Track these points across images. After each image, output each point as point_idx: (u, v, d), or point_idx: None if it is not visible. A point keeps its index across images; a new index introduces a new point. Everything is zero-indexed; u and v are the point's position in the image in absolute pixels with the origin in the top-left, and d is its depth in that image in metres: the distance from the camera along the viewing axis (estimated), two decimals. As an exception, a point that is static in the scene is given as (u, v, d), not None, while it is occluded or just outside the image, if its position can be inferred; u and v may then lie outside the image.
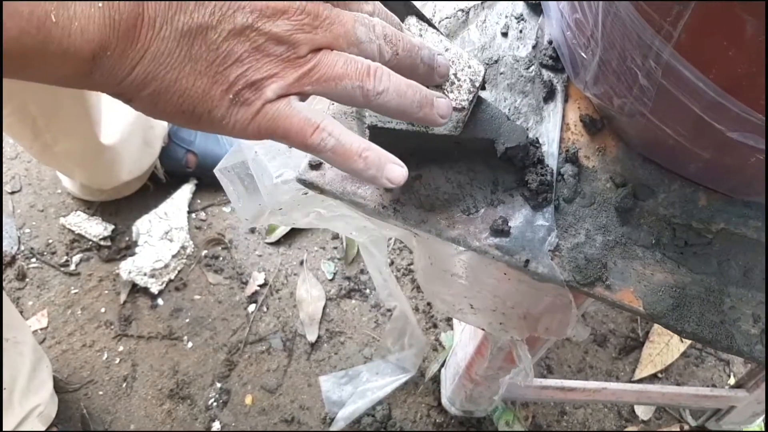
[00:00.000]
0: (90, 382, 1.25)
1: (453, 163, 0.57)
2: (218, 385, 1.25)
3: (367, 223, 0.71)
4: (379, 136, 0.55)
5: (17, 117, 1.13)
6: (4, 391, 1.02)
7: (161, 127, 1.34)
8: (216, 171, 0.66)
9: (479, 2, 0.63)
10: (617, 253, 0.54)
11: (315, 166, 0.56)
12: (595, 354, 1.27)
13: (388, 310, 1.30)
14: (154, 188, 1.40)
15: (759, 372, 0.90)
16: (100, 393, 1.24)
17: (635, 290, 0.53)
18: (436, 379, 1.23)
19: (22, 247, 1.37)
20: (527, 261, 0.53)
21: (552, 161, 0.56)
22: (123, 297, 1.32)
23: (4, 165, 1.45)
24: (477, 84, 0.52)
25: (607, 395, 0.99)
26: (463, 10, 0.63)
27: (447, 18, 0.63)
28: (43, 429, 1.10)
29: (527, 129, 0.58)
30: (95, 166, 1.27)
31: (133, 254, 1.34)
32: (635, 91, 0.48)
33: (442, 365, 1.19)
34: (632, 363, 1.25)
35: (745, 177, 0.51)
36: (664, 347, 1.23)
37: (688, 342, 1.24)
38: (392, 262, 1.35)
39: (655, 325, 1.26)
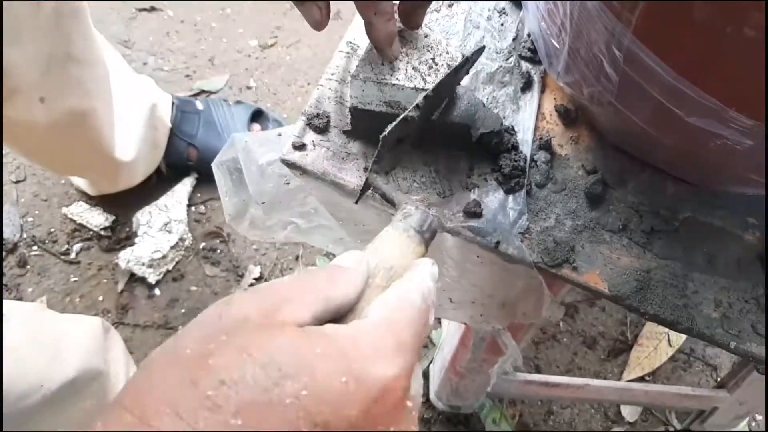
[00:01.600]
0: (85, 369, 1.27)
1: (431, 148, 0.59)
2: (211, 374, 1.27)
3: (343, 235, 0.73)
4: (359, 117, 0.57)
5: (31, 154, 1.20)
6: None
7: (165, 126, 1.37)
8: (213, 165, 0.68)
9: (462, -5, 0.66)
10: (585, 237, 0.56)
11: (298, 147, 0.59)
12: (584, 355, 1.28)
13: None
14: (156, 180, 1.43)
15: (739, 371, 0.91)
16: (95, 379, 1.27)
17: (601, 273, 0.55)
18: (425, 375, 1.24)
19: (25, 235, 1.40)
20: (498, 242, 0.55)
21: (526, 148, 0.58)
22: (121, 286, 1.34)
23: (10, 155, 1.48)
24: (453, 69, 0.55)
25: (590, 393, 1.00)
26: (448, 3, 0.66)
27: (433, 10, 0.65)
28: None
29: (504, 117, 0.60)
30: (112, 178, 1.31)
31: (132, 244, 1.36)
32: (602, 78, 0.50)
33: (431, 362, 1.20)
34: (620, 365, 1.27)
35: (709, 165, 0.53)
36: (653, 351, 1.24)
37: (677, 346, 1.25)
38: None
39: (645, 329, 1.27)
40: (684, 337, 1.25)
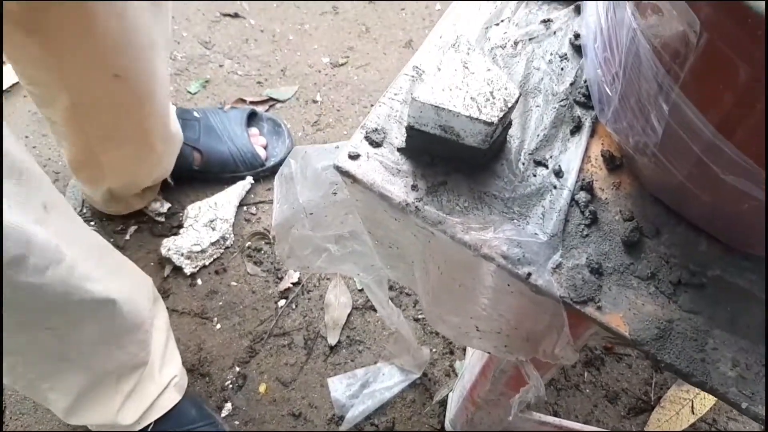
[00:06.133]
0: (121, 344, 1.33)
1: (477, 175, 0.62)
2: (237, 369, 1.31)
3: (375, 261, 0.76)
4: (414, 137, 0.61)
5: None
6: (147, 365, 1.11)
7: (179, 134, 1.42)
8: (276, 176, 0.71)
9: (527, 38, 0.69)
10: (613, 280, 0.58)
11: (353, 157, 0.62)
12: (605, 409, 1.28)
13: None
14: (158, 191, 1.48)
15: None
16: (128, 356, 1.32)
17: (624, 316, 0.56)
18: (443, 404, 1.26)
19: (85, 210, 1.47)
20: (529, 274, 0.58)
21: (568, 188, 0.61)
22: (167, 271, 1.40)
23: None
24: (510, 104, 0.58)
25: (603, 444, 1.00)
26: (514, 42, 0.69)
27: (498, 46, 0.69)
28: (179, 398, 1.18)
29: (550, 157, 0.63)
30: (151, 158, 1.34)
31: (177, 234, 1.42)
32: (648, 129, 0.52)
33: (451, 390, 1.21)
34: (639, 425, 1.26)
35: (741, 225, 0.54)
36: (674, 416, 1.23)
37: (699, 415, 1.23)
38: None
39: (669, 392, 1.26)
40: (708, 406, 1.24)
